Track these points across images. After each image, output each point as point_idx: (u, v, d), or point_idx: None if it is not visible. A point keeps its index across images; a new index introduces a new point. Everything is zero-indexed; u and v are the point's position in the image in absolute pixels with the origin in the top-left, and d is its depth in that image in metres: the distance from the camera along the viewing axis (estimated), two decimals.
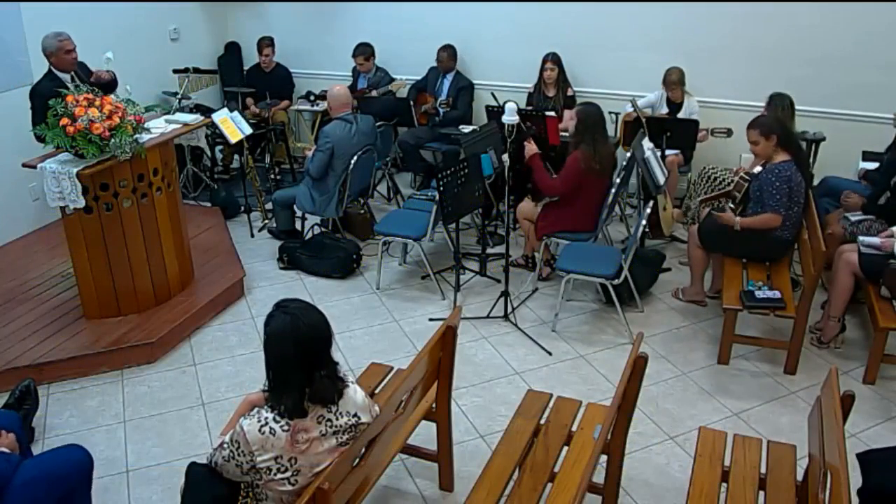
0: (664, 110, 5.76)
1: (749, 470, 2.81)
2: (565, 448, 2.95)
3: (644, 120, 5.17)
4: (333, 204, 5.26)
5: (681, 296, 4.82)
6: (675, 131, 5.32)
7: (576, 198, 4.69)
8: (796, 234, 4.33)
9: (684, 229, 5.49)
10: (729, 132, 5.31)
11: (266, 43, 6.89)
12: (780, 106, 4.79)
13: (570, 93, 6.12)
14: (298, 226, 5.73)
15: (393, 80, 6.67)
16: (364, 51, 6.61)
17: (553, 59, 6.03)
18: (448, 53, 6.45)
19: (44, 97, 4.48)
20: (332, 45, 7.04)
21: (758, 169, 4.40)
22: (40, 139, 4.17)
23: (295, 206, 5.53)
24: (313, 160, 5.17)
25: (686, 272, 4.91)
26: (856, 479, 2.67)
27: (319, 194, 5.26)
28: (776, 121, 4.36)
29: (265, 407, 2.23)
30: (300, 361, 2.16)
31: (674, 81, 5.61)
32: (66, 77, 4.80)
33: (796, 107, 4.89)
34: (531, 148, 4.81)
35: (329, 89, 5.42)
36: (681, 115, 5.65)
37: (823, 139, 5.21)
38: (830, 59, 5.46)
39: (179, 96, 6.11)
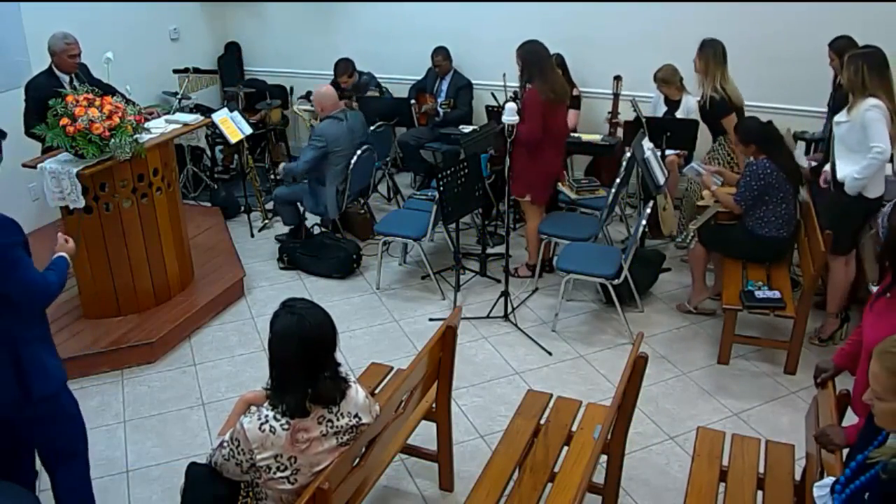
0: (663, 109, 5.75)
1: (747, 469, 2.81)
2: (565, 448, 2.95)
3: (644, 120, 5.17)
4: (333, 203, 5.25)
5: (688, 306, 4.67)
6: (675, 131, 5.32)
7: (544, 139, 4.66)
8: (793, 234, 4.33)
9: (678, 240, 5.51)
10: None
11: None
12: (713, 50, 4.92)
13: (575, 93, 6.09)
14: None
15: (378, 85, 6.62)
16: (348, 67, 6.45)
17: (557, 59, 6.00)
18: (443, 55, 6.40)
19: (39, 92, 4.52)
20: (331, 44, 7.03)
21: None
22: (34, 137, 4.17)
23: (299, 204, 5.51)
24: (304, 156, 5.12)
25: (685, 273, 4.90)
26: None
27: (319, 194, 5.25)
28: (758, 129, 4.29)
29: (265, 405, 2.23)
30: (305, 361, 2.16)
31: (661, 80, 5.58)
32: (65, 77, 4.81)
33: (796, 106, 4.87)
34: None
35: (315, 90, 5.34)
36: (678, 113, 5.63)
37: (823, 139, 5.20)
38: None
39: (179, 96, 6.11)
